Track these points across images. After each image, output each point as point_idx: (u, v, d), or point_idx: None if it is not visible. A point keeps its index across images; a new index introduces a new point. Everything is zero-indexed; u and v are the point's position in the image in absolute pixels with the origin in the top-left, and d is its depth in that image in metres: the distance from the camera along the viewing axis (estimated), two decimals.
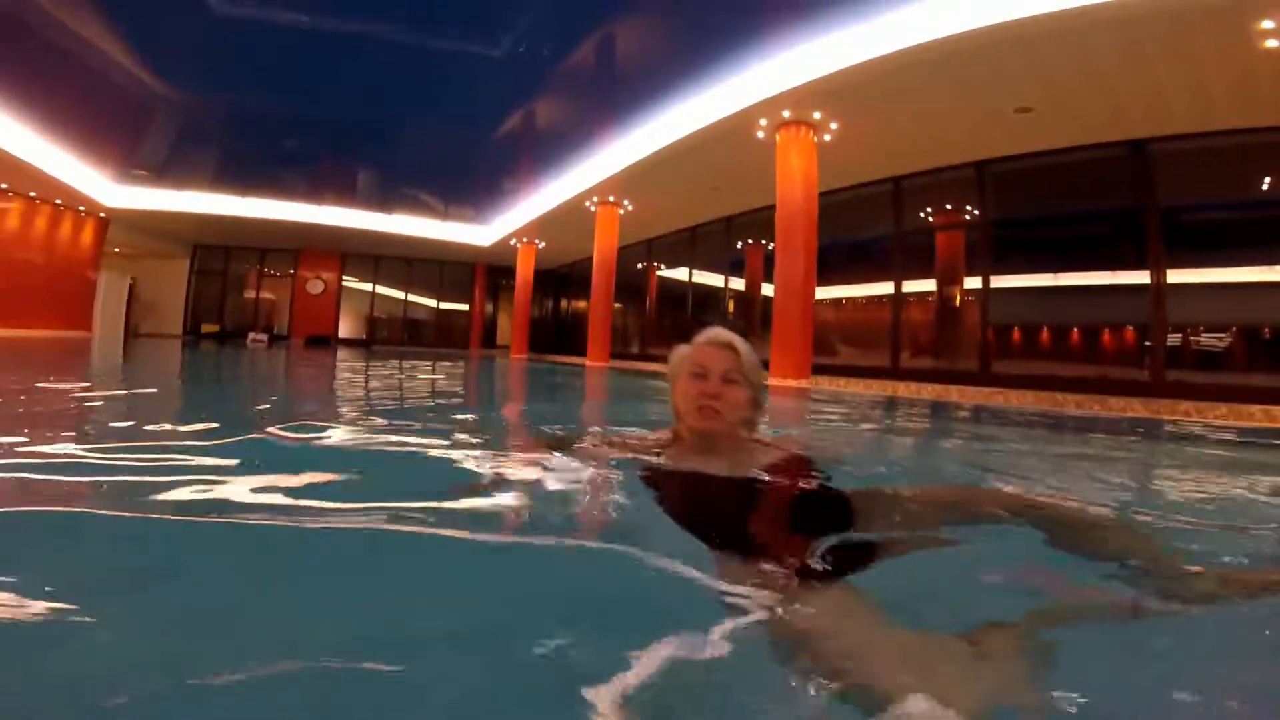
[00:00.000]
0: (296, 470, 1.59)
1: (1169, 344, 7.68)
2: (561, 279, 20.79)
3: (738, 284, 13.52)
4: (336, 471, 1.66)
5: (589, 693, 0.67)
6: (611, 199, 12.84)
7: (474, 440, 2.50)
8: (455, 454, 2.09)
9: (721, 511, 1.26)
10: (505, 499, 1.46)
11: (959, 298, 9.81)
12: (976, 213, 9.27)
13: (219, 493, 1.40)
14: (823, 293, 10.21)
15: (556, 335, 20.19)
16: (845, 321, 11.60)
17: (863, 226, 10.85)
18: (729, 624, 0.83)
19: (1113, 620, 0.93)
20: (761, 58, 7.89)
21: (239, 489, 1.43)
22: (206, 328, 19.97)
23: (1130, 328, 8.42)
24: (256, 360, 9.37)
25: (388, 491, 1.43)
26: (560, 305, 21.60)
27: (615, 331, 16.21)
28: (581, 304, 20.10)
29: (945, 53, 6.34)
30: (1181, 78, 5.97)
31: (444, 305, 22.28)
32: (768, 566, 0.99)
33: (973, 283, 9.28)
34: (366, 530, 1.16)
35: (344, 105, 11.78)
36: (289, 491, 1.45)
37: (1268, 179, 7.23)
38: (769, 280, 12.99)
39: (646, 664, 0.73)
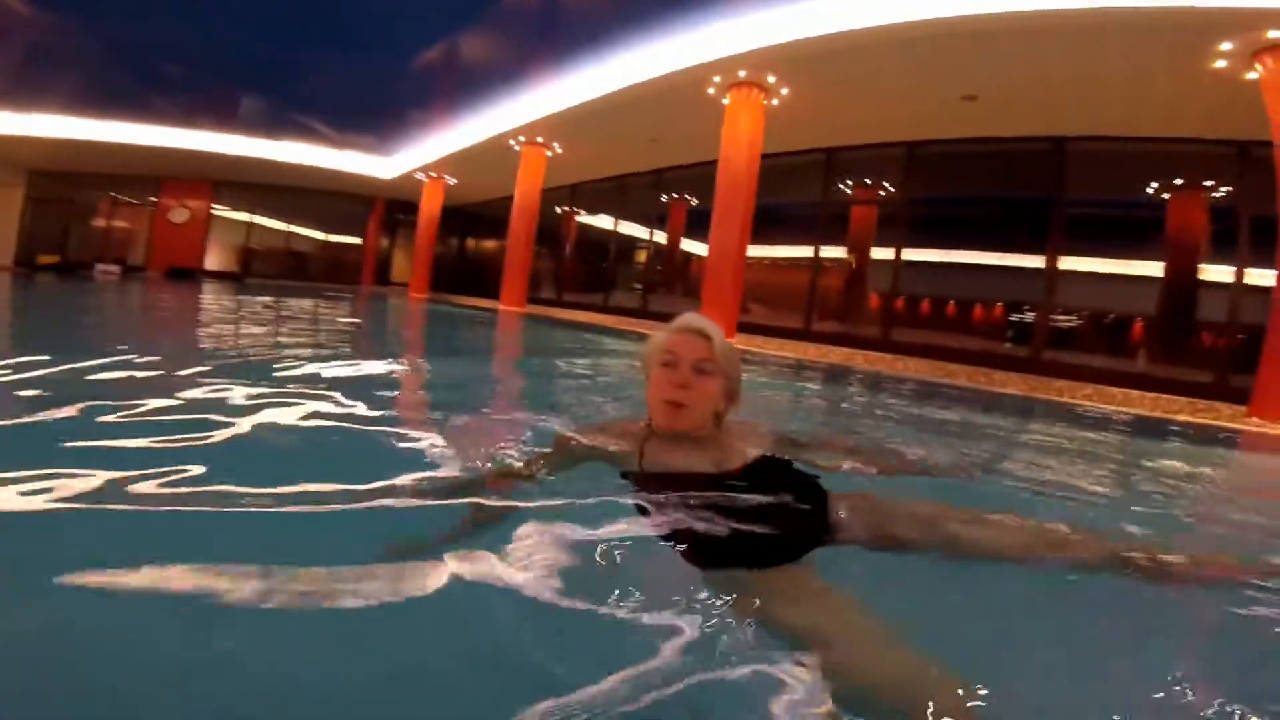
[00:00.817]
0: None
1: (1023, 321, 8.74)
2: (471, 218, 19.51)
3: (660, 238, 13.41)
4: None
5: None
6: (540, 140, 12.02)
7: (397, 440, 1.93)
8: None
9: (700, 519, 1.15)
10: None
11: (867, 267, 10.38)
12: (895, 190, 9.78)
13: None
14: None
15: (462, 276, 19.01)
16: (761, 282, 11.89)
17: (789, 191, 11.03)
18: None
19: None
20: (725, 15, 7.54)
21: None
22: (44, 259, 17.36)
23: (1021, 307, 9.43)
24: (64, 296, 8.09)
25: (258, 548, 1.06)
26: (467, 245, 20.38)
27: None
28: (491, 245, 19.07)
29: (912, 35, 6.41)
30: (1123, 85, 6.47)
31: (333, 238, 20.51)
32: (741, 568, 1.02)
33: (884, 254, 9.82)
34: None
35: (237, 30, 9.98)
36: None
37: (1154, 184, 8.18)
38: (690, 237, 13.20)
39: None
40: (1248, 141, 6.78)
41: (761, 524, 1.14)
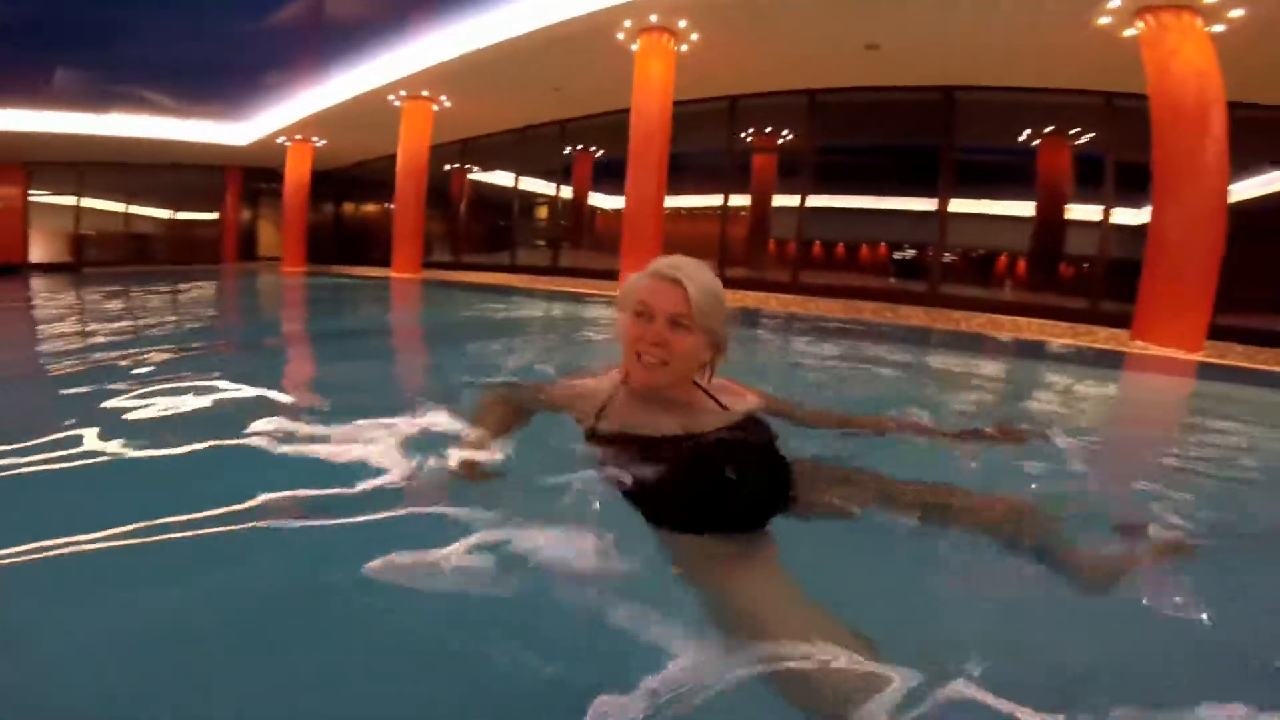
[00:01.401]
0: None
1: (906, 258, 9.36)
2: (347, 181, 17.70)
3: (565, 191, 12.92)
4: None
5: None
6: (426, 94, 10.91)
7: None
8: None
9: (664, 482, 1.11)
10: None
11: (770, 213, 10.63)
12: (797, 137, 9.95)
13: None
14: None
15: (341, 244, 17.33)
16: (670, 232, 11.79)
17: (694, 140, 10.89)
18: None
19: None
20: None
21: None
22: None
23: (904, 246, 10.11)
24: None
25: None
26: (344, 211, 18.53)
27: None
28: (372, 208, 17.45)
29: None
30: (1013, 37, 6.80)
31: (183, 215, 17.98)
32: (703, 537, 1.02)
33: (789, 200, 10.04)
34: None
35: None
36: None
37: (1027, 131, 8.85)
38: (598, 189, 12.78)
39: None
40: (1114, 93, 7.45)
41: (722, 490, 1.11)
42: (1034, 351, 5.43)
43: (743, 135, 10.42)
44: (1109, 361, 5.08)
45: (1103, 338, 6.86)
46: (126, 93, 13.22)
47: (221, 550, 1.08)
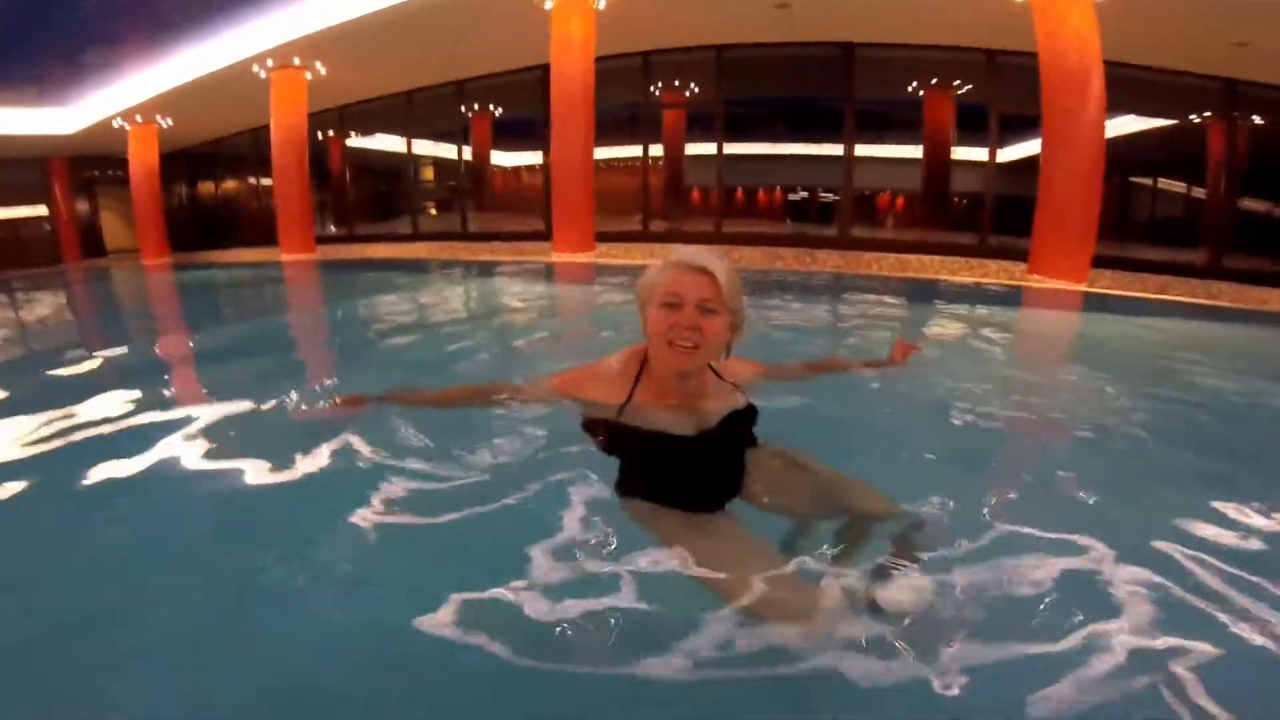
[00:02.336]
0: None
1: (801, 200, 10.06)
2: (201, 160, 15.52)
3: (457, 154, 12.27)
4: None
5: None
6: (298, 62, 9.70)
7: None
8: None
9: (678, 479, 1.27)
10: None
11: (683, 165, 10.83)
12: (706, 91, 10.13)
13: None
14: None
15: (202, 229, 15.39)
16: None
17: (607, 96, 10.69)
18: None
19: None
20: None
21: None
22: None
23: (826, 191, 10.69)
24: None
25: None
26: (200, 193, 16.36)
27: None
28: (233, 186, 15.57)
29: None
30: None
31: (1, 214, 14.98)
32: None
33: (702, 149, 10.20)
34: None
35: None
36: None
37: (914, 83, 9.48)
38: (498, 149, 12.21)
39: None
40: (996, 50, 8.16)
41: (703, 476, 1.27)
42: (949, 293, 6.04)
43: (653, 90, 10.34)
44: (1016, 299, 5.82)
45: (994, 271, 7.79)
46: None
47: None
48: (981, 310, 5.05)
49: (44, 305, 6.97)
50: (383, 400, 1.56)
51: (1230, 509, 1.36)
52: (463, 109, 11.76)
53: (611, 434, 1.32)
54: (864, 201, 10.89)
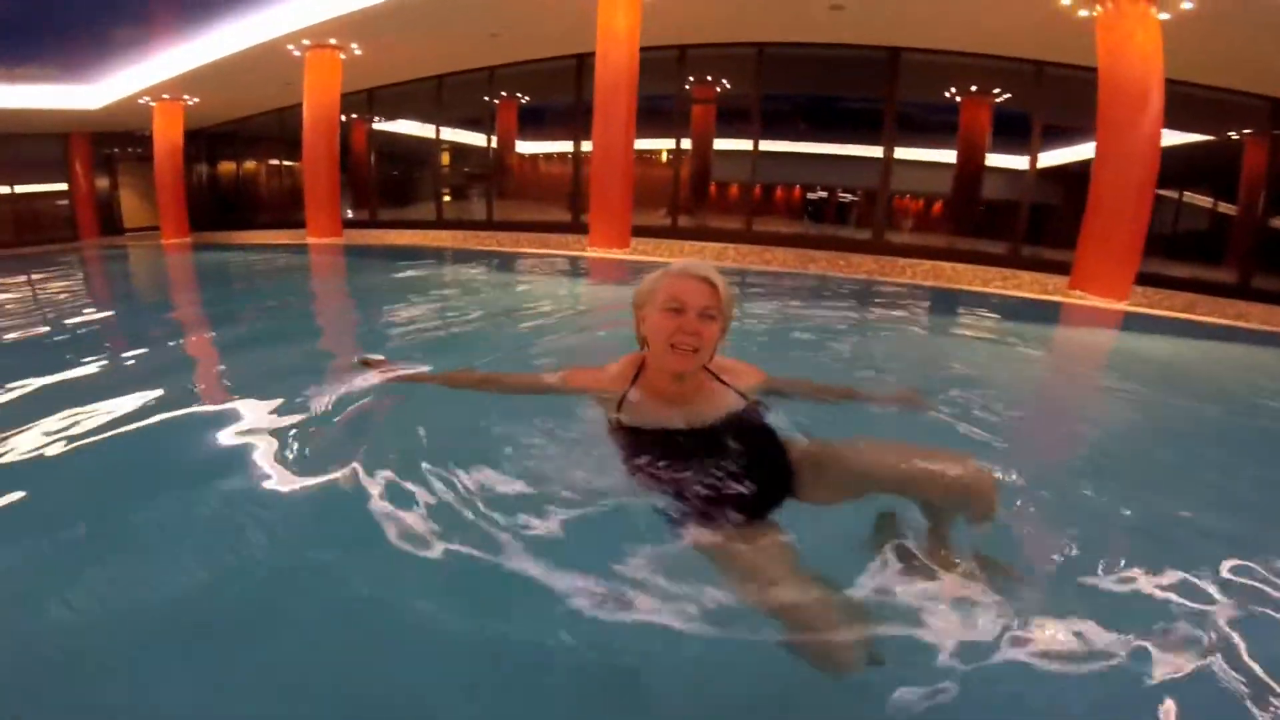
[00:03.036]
0: None
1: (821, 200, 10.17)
2: (221, 139, 15.34)
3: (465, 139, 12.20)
4: None
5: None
6: (334, 42, 9.57)
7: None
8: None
9: (685, 471, 1.33)
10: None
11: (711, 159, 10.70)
12: (742, 87, 10.03)
13: None
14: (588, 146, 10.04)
15: (220, 209, 15.24)
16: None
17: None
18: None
19: None
20: None
21: None
22: None
23: (862, 192, 10.59)
24: None
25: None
26: (219, 172, 16.11)
27: (297, 195, 13.04)
28: (252, 167, 15.41)
29: None
30: (966, 7, 7.10)
31: (21, 189, 14.87)
32: (715, 515, 1.24)
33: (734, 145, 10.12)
34: None
35: None
36: None
37: (952, 88, 9.45)
38: (523, 138, 12.08)
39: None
40: (1045, 62, 8.15)
41: (729, 483, 1.29)
42: (991, 305, 5.98)
43: (686, 84, 10.23)
44: (1058, 315, 5.81)
45: (1027, 282, 7.81)
46: None
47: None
48: (1026, 327, 4.97)
49: (104, 284, 6.90)
50: (400, 379, 1.67)
51: None
52: (485, 97, 11.62)
53: (616, 433, 1.42)
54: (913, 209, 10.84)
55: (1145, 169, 6.21)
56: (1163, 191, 10.00)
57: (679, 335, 1.31)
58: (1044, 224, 9.24)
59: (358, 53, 10.01)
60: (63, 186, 15.39)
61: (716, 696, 0.89)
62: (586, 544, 1.22)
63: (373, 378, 1.84)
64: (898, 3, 7.46)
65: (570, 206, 10.93)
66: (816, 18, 8.08)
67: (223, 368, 2.88)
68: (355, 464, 1.51)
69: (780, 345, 3.50)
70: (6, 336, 3.53)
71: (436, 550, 1.21)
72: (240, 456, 1.61)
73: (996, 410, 2.20)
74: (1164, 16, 5.97)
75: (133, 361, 2.95)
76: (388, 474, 1.46)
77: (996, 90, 9.27)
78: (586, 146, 10.49)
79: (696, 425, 1.38)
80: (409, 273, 7.13)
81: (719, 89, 10.48)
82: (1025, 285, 7.61)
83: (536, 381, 1.59)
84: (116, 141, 15.63)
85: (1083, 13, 6.34)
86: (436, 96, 11.94)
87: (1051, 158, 9.05)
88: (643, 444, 1.37)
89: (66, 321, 4.23)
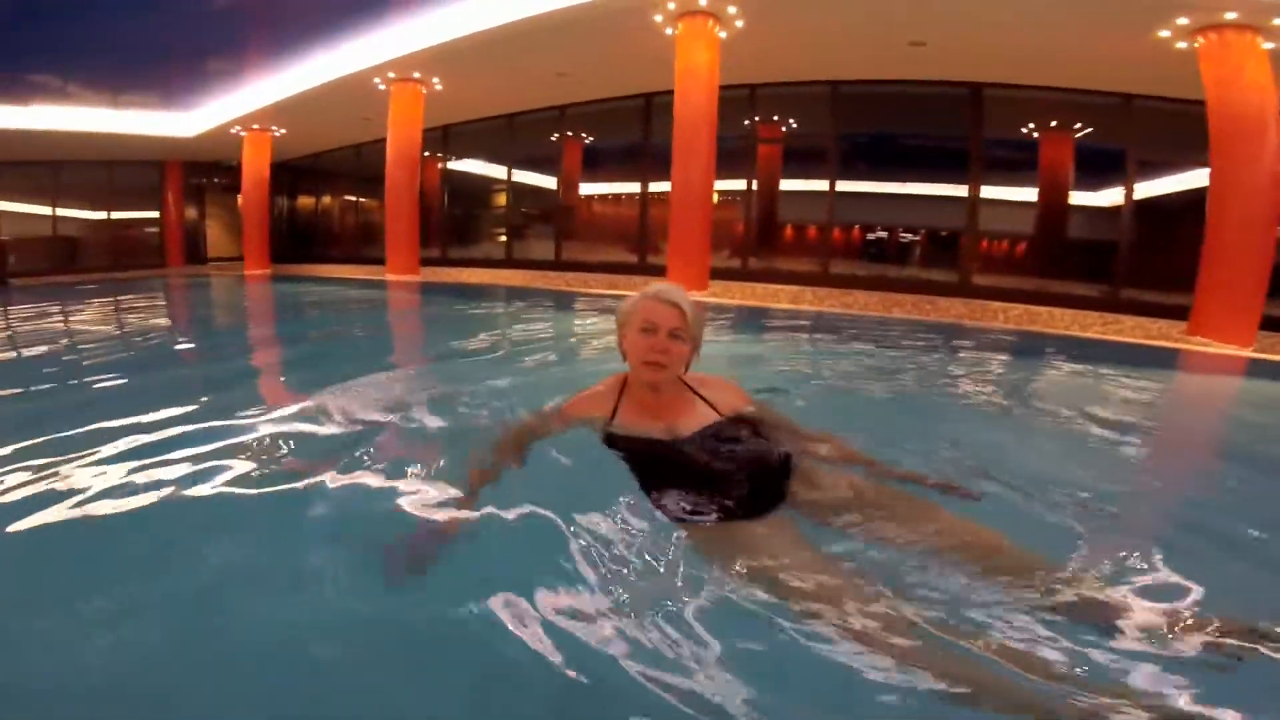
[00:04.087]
0: None
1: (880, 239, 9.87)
2: (302, 173, 16.21)
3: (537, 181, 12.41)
4: None
5: None
6: (417, 75, 9.99)
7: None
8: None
9: (672, 475, 1.42)
10: None
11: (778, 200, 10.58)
12: (817, 126, 9.89)
13: None
14: (658, 187, 10.33)
15: (298, 242, 15.90)
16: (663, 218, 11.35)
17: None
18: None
19: None
20: None
21: None
22: None
23: (946, 232, 10.22)
24: None
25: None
26: (298, 206, 16.94)
27: (370, 231, 13.88)
28: (328, 201, 16.14)
29: None
30: (1053, 40, 6.96)
31: (116, 215, 15.81)
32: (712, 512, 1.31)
33: (800, 185, 10.07)
34: None
35: None
36: None
37: (1031, 124, 9.16)
38: (589, 180, 12.27)
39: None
40: (1134, 95, 7.87)
41: (714, 486, 1.37)
42: (1105, 354, 5.37)
43: (749, 122, 10.15)
44: (1182, 362, 5.22)
45: (1130, 327, 7.31)
46: (34, 82, 11.38)
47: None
48: (1156, 375, 4.39)
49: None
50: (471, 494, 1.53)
51: None
52: (555, 136, 11.87)
53: (612, 442, 1.52)
54: (942, 242, 10.47)
55: (1267, 205, 5.82)
56: None
57: (650, 353, 1.50)
58: (1133, 263, 8.76)
59: (438, 87, 10.42)
60: (154, 214, 16.22)
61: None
62: (580, 551, 1.19)
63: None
64: (982, 38, 7.32)
65: (638, 248, 10.94)
66: (896, 54, 8.03)
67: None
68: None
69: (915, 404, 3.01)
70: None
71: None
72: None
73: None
74: (1268, 46, 5.68)
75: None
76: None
77: (1078, 125, 8.97)
78: (654, 187, 10.75)
79: (676, 436, 1.52)
80: (519, 313, 6.92)
81: (785, 128, 10.44)
82: (1128, 330, 7.13)
83: (542, 426, 1.66)
84: (204, 171, 16.31)
85: (1181, 44, 6.10)
86: (507, 135, 12.29)
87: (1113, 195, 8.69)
88: (633, 450, 1.48)
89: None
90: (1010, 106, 8.80)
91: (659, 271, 9.49)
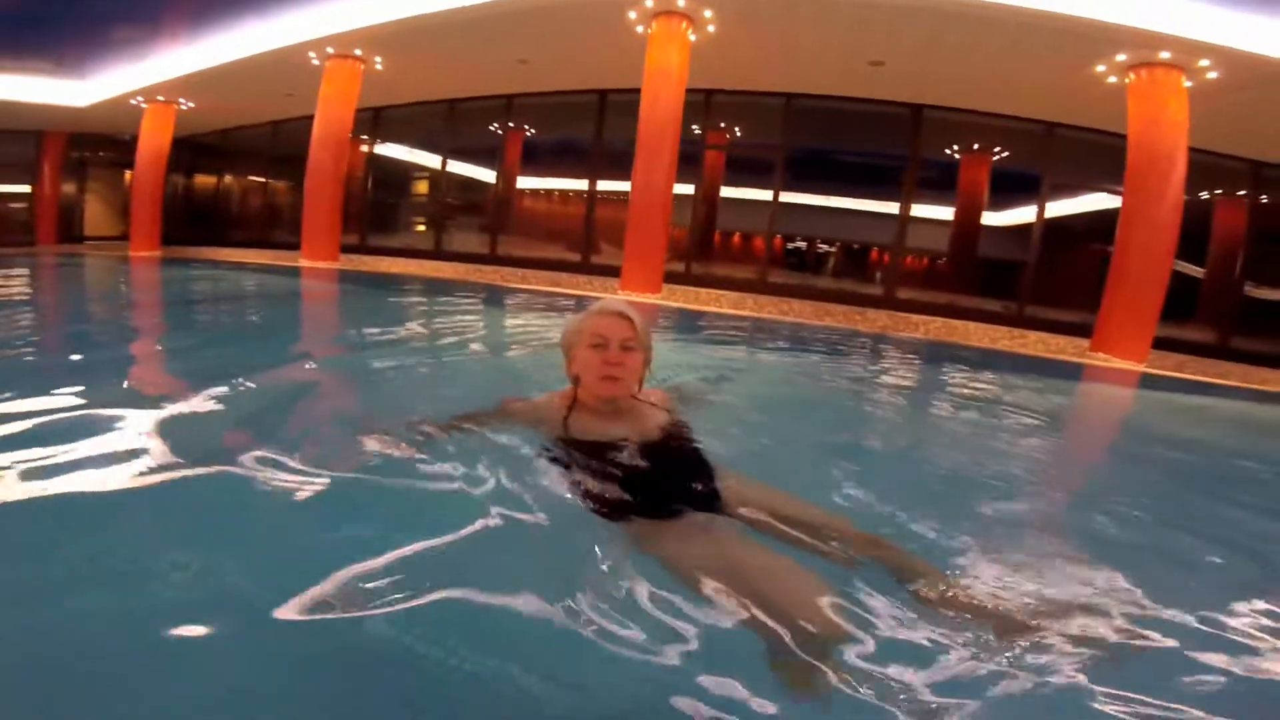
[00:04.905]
0: None
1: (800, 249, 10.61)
2: (202, 150, 14.48)
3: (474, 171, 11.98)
4: None
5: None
6: (359, 52, 9.27)
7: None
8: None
9: (627, 479, 1.38)
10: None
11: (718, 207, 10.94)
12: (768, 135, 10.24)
13: None
14: (605, 185, 10.56)
15: (193, 223, 14.27)
16: (614, 219, 11.00)
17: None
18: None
19: None
20: None
21: None
22: None
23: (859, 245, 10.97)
24: None
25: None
26: (196, 185, 15.16)
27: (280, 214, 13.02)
28: (231, 181, 14.63)
29: None
30: (996, 70, 7.61)
31: None
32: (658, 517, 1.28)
33: (747, 194, 10.40)
34: None
35: None
36: None
37: (955, 146, 9.99)
38: (531, 173, 11.99)
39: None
40: (1055, 123, 8.78)
41: (665, 483, 1.39)
42: (1016, 365, 5.81)
43: (709, 128, 10.39)
44: (1084, 374, 5.80)
45: (1032, 341, 8.07)
46: None
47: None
48: (1062, 389, 4.85)
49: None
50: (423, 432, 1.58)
51: None
52: (493, 125, 11.48)
53: (565, 448, 1.47)
54: (855, 255, 11.55)
55: (1170, 235, 6.62)
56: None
57: (605, 367, 1.49)
58: (1036, 281, 9.71)
59: (379, 67, 9.74)
60: (23, 188, 14.04)
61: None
62: (533, 559, 1.18)
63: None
64: (934, 61, 7.88)
65: (581, 246, 10.79)
66: (853, 72, 8.46)
67: None
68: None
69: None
70: None
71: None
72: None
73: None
74: (1188, 84, 6.51)
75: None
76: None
77: (998, 149, 9.90)
78: (602, 185, 10.65)
79: (645, 439, 1.50)
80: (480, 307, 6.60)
81: (733, 136, 10.72)
82: (1031, 345, 7.86)
83: (490, 416, 1.65)
84: (91, 144, 14.46)
85: (1113, 79, 6.89)
86: (447, 121, 11.71)
87: (1012, 216, 9.89)
88: (587, 454, 1.43)
89: None
90: (943, 128, 9.54)
91: (603, 271, 9.44)
